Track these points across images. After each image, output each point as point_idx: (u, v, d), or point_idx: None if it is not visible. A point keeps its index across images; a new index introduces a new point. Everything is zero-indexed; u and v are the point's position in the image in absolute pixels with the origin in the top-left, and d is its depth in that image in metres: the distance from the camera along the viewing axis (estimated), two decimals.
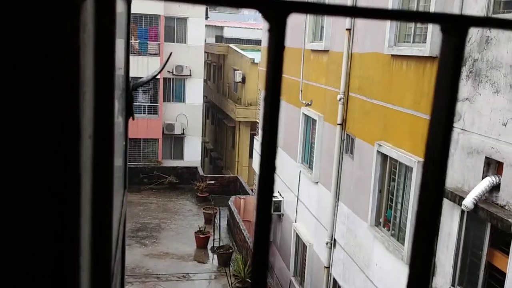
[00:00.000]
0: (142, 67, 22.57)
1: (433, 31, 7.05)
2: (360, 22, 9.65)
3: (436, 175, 0.37)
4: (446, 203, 6.62)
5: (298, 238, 12.77)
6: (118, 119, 1.08)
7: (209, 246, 16.54)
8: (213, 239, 16.36)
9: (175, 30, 25.11)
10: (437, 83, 0.32)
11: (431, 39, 7.07)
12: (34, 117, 0.42)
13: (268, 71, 0.31)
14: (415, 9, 7.84)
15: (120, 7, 1.12)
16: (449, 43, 0.31)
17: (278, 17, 0.29)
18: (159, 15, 24.17)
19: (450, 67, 0.31)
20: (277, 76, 0.31)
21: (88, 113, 0.48)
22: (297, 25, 12.86)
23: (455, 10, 6.59)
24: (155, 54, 24.06)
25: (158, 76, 23.03)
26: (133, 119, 1.39)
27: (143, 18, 24.02)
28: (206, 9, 26.37)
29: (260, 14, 0.32)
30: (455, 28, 0.31)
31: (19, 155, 0.43)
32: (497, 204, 5.74)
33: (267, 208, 0.38)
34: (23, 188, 0.46)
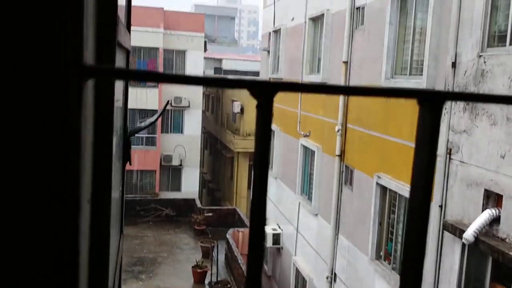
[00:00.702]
0: (141, 98, 22.81)
1: (429, 64, 7.16)
2: (357, 55, 9.81)
3: (419, 230, 0.39)
4: (447, 236, 6.57)
5: (297, 272, 12.57)
6: (115, 166, 1.10)
7: (206, 281, 16.23)
8: (211, 274, 16.07)
9: (174, 62, 25.50)
10: (415, 153, 0.34)
11: (428, 72, 7.18)
12: (33, 187, 0.44)
13: (256, 144, 0.33)
14: (410, 48, 7.94)
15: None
16: (425, 115, 0.33)
17: (265, 96, 0.32)
18: (158, 48, 24.58)
19: (428, 136, 0.33)
20: (265, 149, 0.33)
21: (87, 179, 0.49)
22: (295, 57, 13.08)
23: (450, 46, 6.72)
24: (153, 86, 24.33)
25: (156, 109, 23.20)
26: (130, 164, 1.41)
27: (142, 50, 24.41)
28: (205, 41, 26.84)
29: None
30: (431, 102, 0.33)
31: (16, 223, 0.45)
32: (498, 237, 5.70)
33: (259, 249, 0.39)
34: (19, 256, 0.47)
